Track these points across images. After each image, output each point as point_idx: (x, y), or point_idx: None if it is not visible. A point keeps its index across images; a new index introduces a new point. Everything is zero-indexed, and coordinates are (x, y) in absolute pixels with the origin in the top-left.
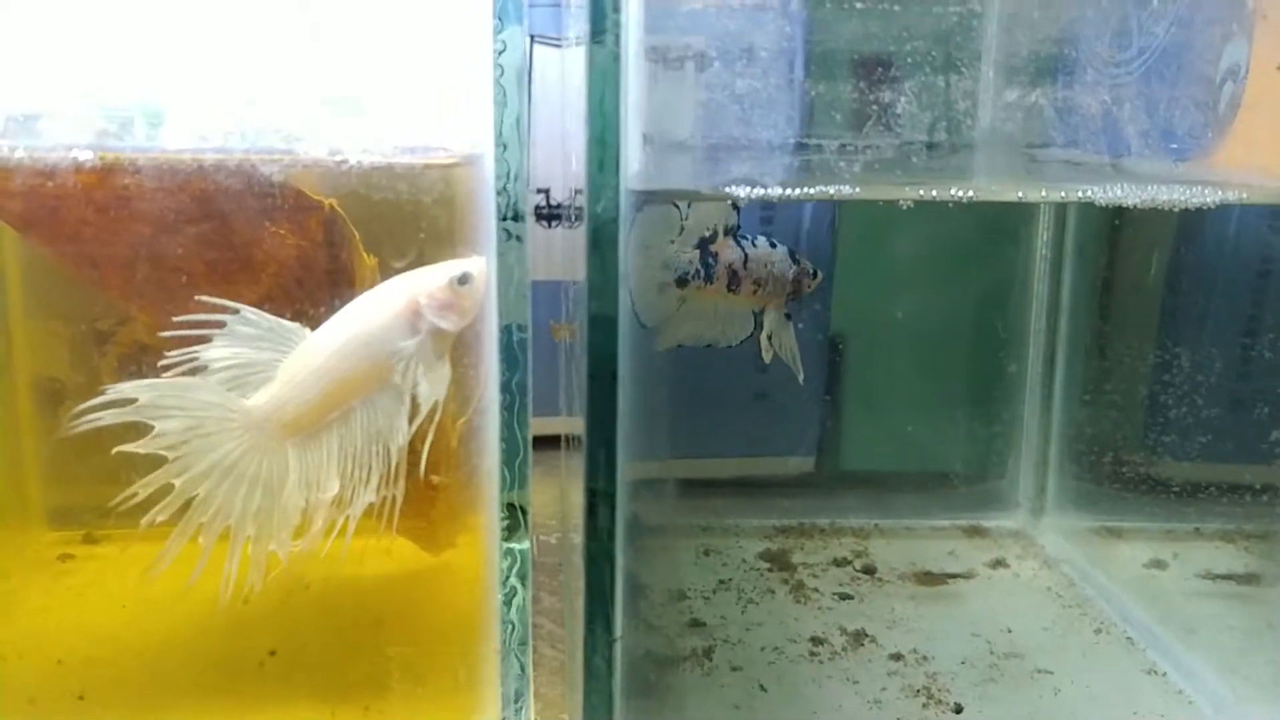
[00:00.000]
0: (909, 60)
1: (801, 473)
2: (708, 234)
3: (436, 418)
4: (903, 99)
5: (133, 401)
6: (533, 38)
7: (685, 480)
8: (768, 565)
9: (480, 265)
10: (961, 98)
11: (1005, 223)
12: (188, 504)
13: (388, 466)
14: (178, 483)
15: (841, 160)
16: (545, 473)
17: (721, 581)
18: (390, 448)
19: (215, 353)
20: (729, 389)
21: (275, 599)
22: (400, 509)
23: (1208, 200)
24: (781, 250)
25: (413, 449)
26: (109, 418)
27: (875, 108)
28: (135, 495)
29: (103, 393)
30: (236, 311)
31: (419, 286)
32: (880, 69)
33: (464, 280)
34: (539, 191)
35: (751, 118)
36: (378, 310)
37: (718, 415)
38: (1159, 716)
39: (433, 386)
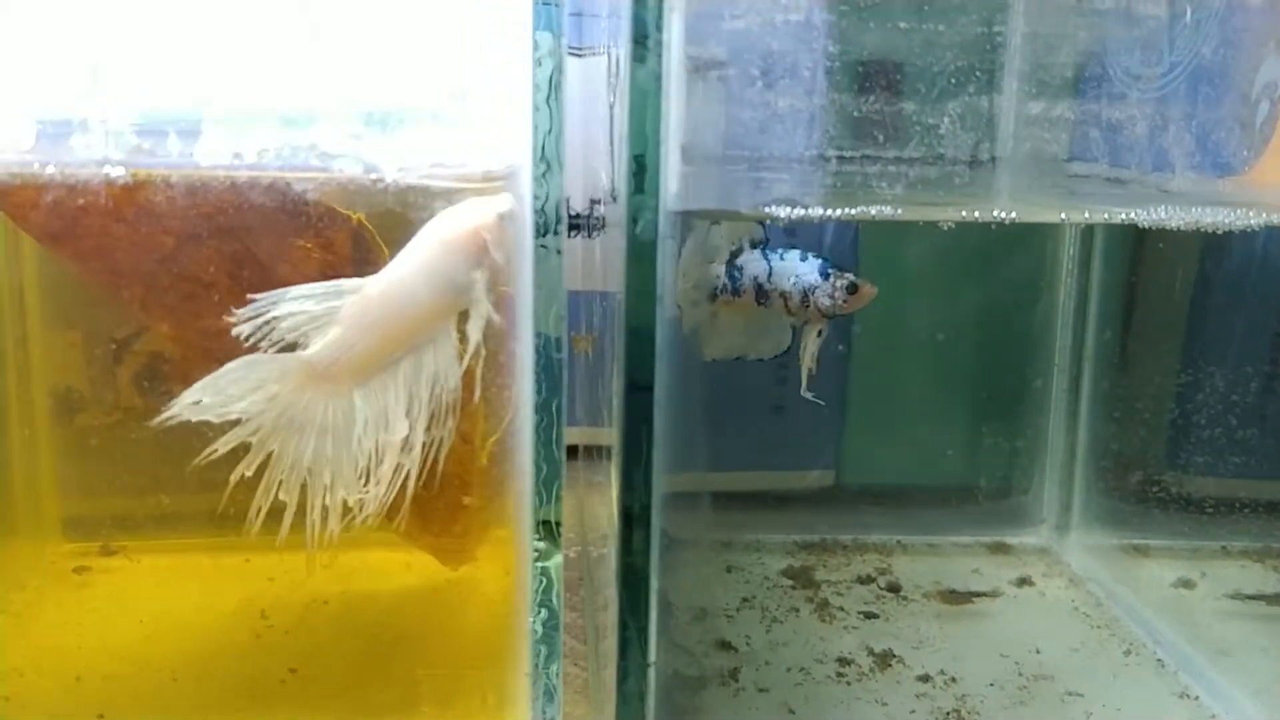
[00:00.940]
0: (952, 79)
1: (822, 487)
2: (734, 248)
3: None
4: (945, 118)
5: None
6: None
7: (706, 494)
8: (791, 583)
9: (510, 201)
10: (995, 114)
11: (1031, 236)
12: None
13: (441, 406)
14: (254, 441)
15: (876, 178)
16: (565, 484)
17: (745, 599)
18: (447, 387)
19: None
20: (748, 402)
21: (294, 615)
22: (426, 525)
23: (1252, 223)
24: (813, 264)
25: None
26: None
27: (911, 124)
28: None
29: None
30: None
31: (476, 219)
32: (919, 86)
33: (508, 216)
34: None
35: (785, 133)
36: (442, 246)
37: (737, 429)
38: None
39: (477, 326)
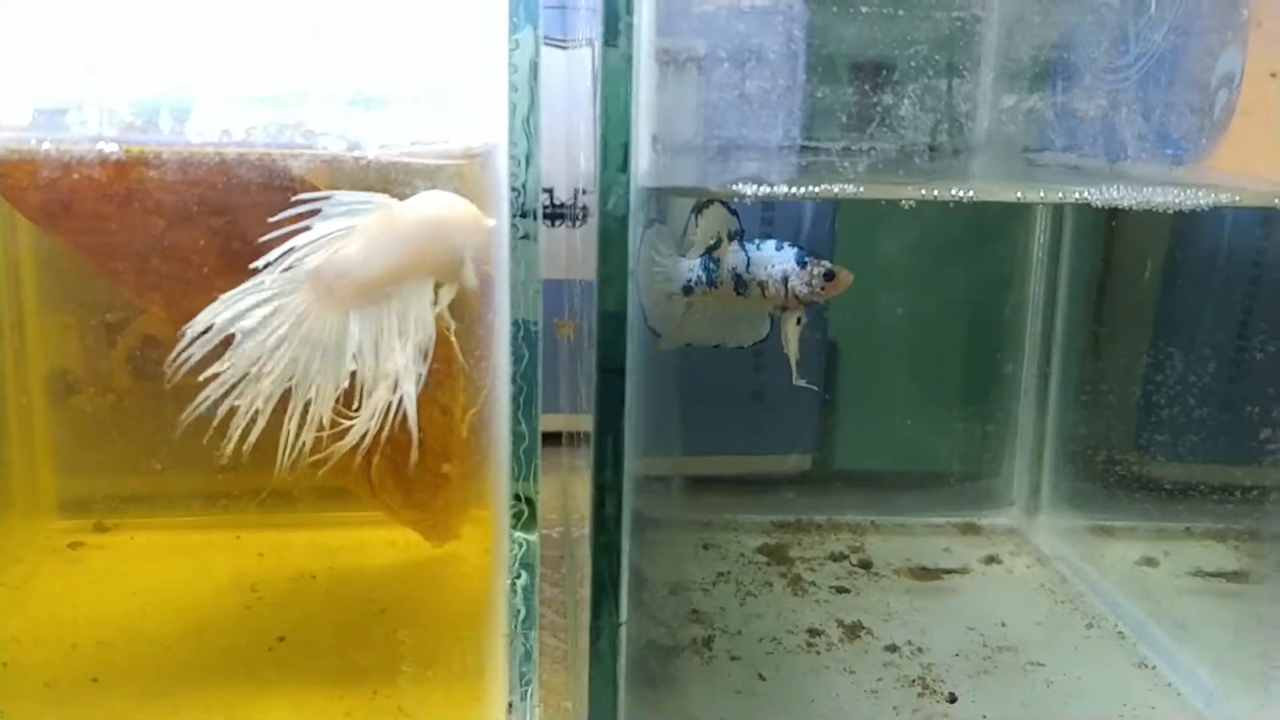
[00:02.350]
0: (910, 64)
1: (800, 470)
2: (712, 241)
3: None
4: (904, 102)
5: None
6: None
7: (686, 477)
8: (766, 559)
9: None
10: (961, 101)
11: (1002, 224)
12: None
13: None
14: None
15: (844, 161)
16: (548, 468)
17: (721, 574)
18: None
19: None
20: (728, 388)
21: (282, 588)
22: (409, 498)
23: (1201, 203)
24: (789, 252)
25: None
26: (198, 350)
27: (877, 111)
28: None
29: (182, 334)
30: (329, 198)
31: (476, 211)
32: (882, 72)
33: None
34: (543, 190)
35: (756, 120)
36: (451, 209)
37: (717, 413)
38: (1149, 708)
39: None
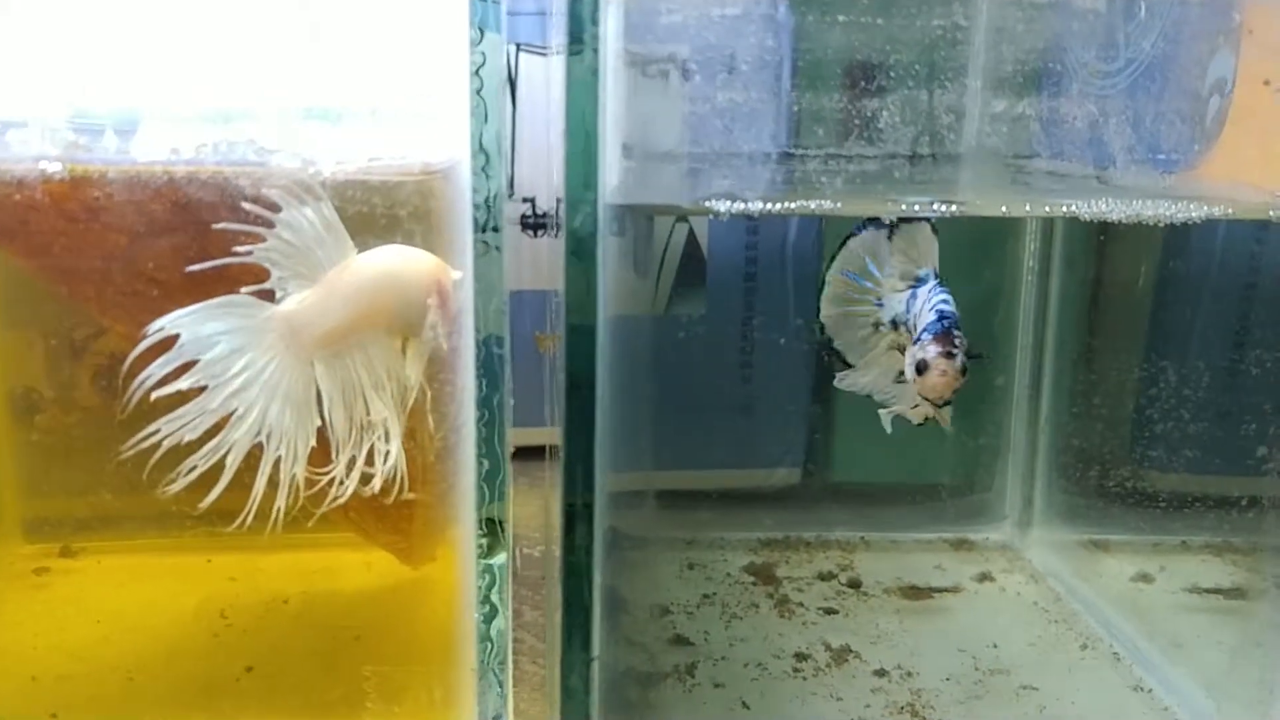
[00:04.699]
0: (895, 72)
1: (788, 485)
2: (920, 272)
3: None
4: (888, 111)
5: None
6: (519, 46)
7: (670, 493)
8: (752, 579)
9: (458, 275)
10: (947, 110)
11: (992, 235)
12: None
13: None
14: (216, 403)
15: (825, 174)
16: (531, 484)
17: (705, 596)
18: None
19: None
20: (715, 401)
21: (253, 614)
22: (380, 524)
23: (1193, 215)
24: (932, 310)
25: None
26: (157, 370)
27: (860, 120)
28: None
29: (143, 336)
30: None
31: (437, 264)
32: (866, 81)
33: (458, 285)
34: (524, 200)
35: (734, 129)
36: (410, 263)
37: (703, 427)
38: None
39: (419, 357)
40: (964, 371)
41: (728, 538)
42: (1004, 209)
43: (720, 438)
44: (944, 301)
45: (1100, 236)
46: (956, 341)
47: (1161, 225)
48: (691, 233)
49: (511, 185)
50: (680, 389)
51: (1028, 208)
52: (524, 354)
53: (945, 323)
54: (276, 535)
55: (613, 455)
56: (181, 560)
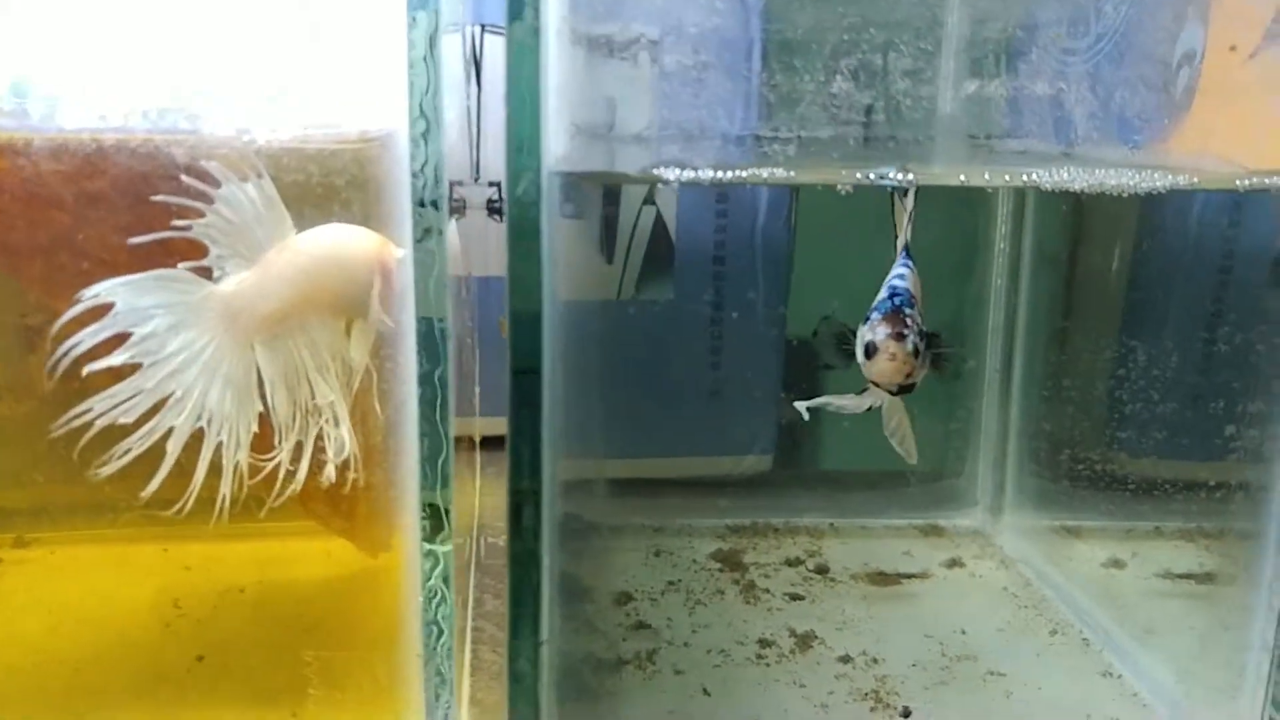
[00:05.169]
0: (863, 47)
1: (758, 471)
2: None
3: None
4: (837, 79)
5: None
6: (484, 27)
7: (639, 480)
8: (719, 566)
9: (403, 252)
10: (916, 86)
11: (963, 217)
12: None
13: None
14: (152, 384)
15: (776, 145)
16: (499, 472)
17: (671, 583)
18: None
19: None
20: (685, 387)
21: (208, 603)
22: (335, 511)
23: (1157, 185)
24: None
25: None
26: (88, 338)
27: (828, 98)
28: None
29: (77, 300)
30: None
31: (380, 241)
32: (834, 57)
33: (402, 262)
34: (490, 184)
35: (696, 107)
36: (358, 239)
37: (673, 414)
38: None
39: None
40: (916, 354)
41: (696, 524)
42: (962, 178)
43: (690, 424)
44: (899, 276)
45: (1073, 218)
46: (909, 321)
47: (1137, 200)
48: (659, 216)
49: (477, 169)
50: (649, 375)
51: (987, 176)
52: (493, 341)
53: (896, 300)
54: (235, 524)
55: (573, 442)
56: (138, 550)
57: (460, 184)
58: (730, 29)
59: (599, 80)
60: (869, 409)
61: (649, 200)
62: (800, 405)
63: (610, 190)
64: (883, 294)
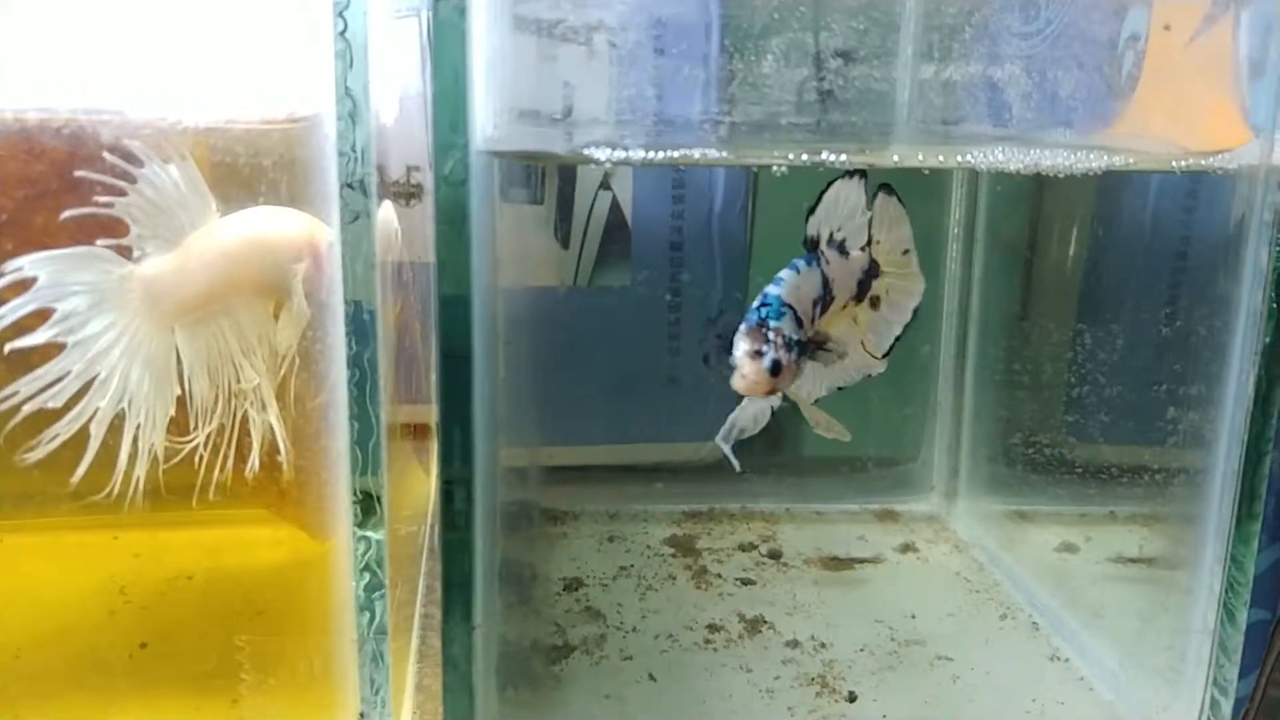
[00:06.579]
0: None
1: (715, 458)
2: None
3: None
4: (767, 58)
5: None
6: None
7: (596, 467)
8: (672, 551)
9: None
10: (870, 72)
11: (916, 201)
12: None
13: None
14: (78, 366)
15: (714, 125)
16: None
17: (622, 568)
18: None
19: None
20: (641, 375)
21: (154, 590)
22: (281, 498)
23: (1093, 165)
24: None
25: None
26: (10, 311)
27: (783, 83)
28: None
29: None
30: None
31: (310, 223)
32: (791, 44)
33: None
34: (411, 169)
35: (628, 86)
36: (284, 222)
37: (629, 399)
38: (1058, 703)
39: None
40: (776, 369)
41: (651, 510)
42: (895, 159)
43: (648, 411)
44: (777, 282)
45: (1026, 202)
46: (769, 335)
47: (1091, 185)
48: (615, 201)
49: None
50: (606, 362)
51: (920, 157)
52: None
53: (763, 311)
54: (186, 512)
55: (525, 429)
56: (87, 538)
57: (418, 169)
58: (654, 6)
59: (532, 60)
60: (773, 410)
61: (604, 185)
62: (723, 446)
63: (566, 174)
64: (755, 300)
